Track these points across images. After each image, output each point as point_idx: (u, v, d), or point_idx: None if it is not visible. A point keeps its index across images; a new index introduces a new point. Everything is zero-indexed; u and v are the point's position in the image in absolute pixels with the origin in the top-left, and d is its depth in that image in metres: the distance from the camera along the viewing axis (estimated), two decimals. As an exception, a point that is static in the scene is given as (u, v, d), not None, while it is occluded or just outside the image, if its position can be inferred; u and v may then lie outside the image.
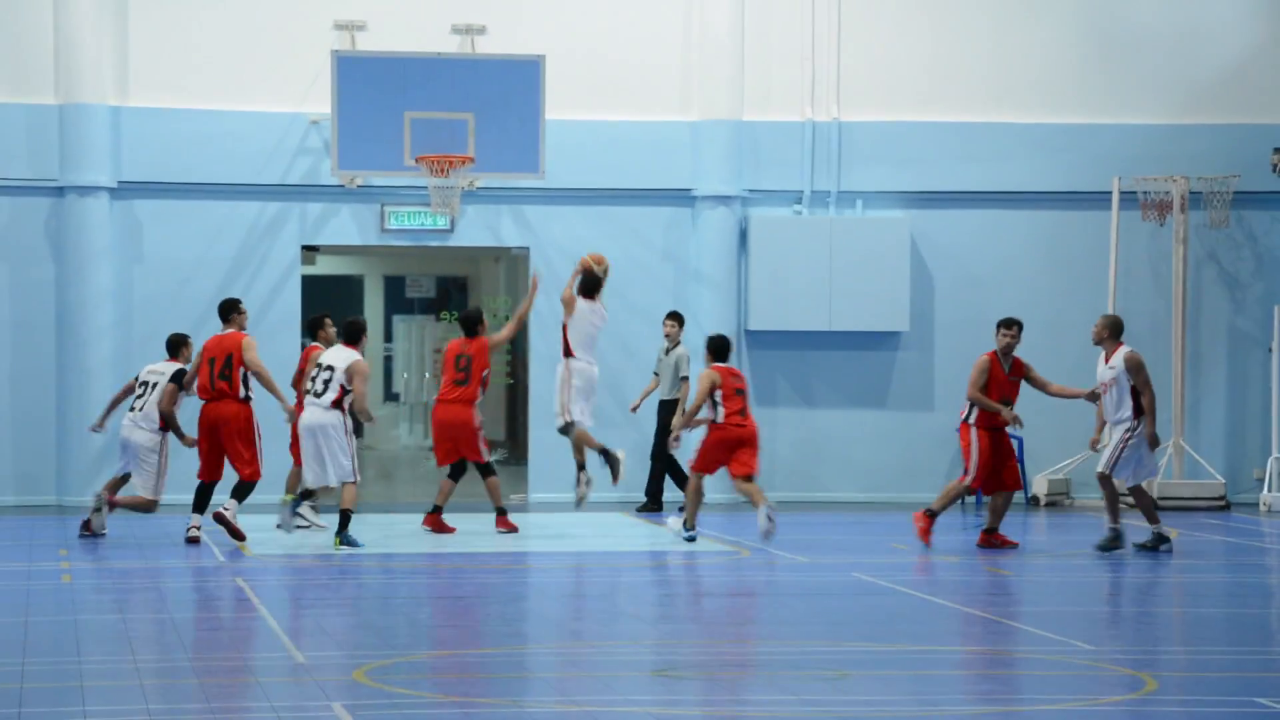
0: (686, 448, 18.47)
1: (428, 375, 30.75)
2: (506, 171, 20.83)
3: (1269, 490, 21.64)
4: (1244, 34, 22.61)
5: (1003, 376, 17.35)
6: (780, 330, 22.04)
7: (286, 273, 21.61)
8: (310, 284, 22.47)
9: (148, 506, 17.69)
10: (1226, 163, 22.14)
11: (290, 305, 21.50)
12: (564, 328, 18.24)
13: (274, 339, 20.87)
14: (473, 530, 18.55)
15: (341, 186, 21.49)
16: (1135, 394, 16.66)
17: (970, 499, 21.56)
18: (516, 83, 20.54)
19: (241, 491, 17.43)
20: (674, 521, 18.20)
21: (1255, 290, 22.62)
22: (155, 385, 17.78)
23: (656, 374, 20.59)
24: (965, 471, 17.32)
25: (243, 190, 21.51)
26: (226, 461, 17.45)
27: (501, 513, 18.32)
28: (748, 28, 22.02)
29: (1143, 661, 11.47)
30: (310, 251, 22.20)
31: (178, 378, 17.81)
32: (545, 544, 17.96)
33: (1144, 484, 17.08)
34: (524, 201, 21.85)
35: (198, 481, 17.48)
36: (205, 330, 21.31)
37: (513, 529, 18.23)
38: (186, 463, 18.24)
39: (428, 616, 13.54)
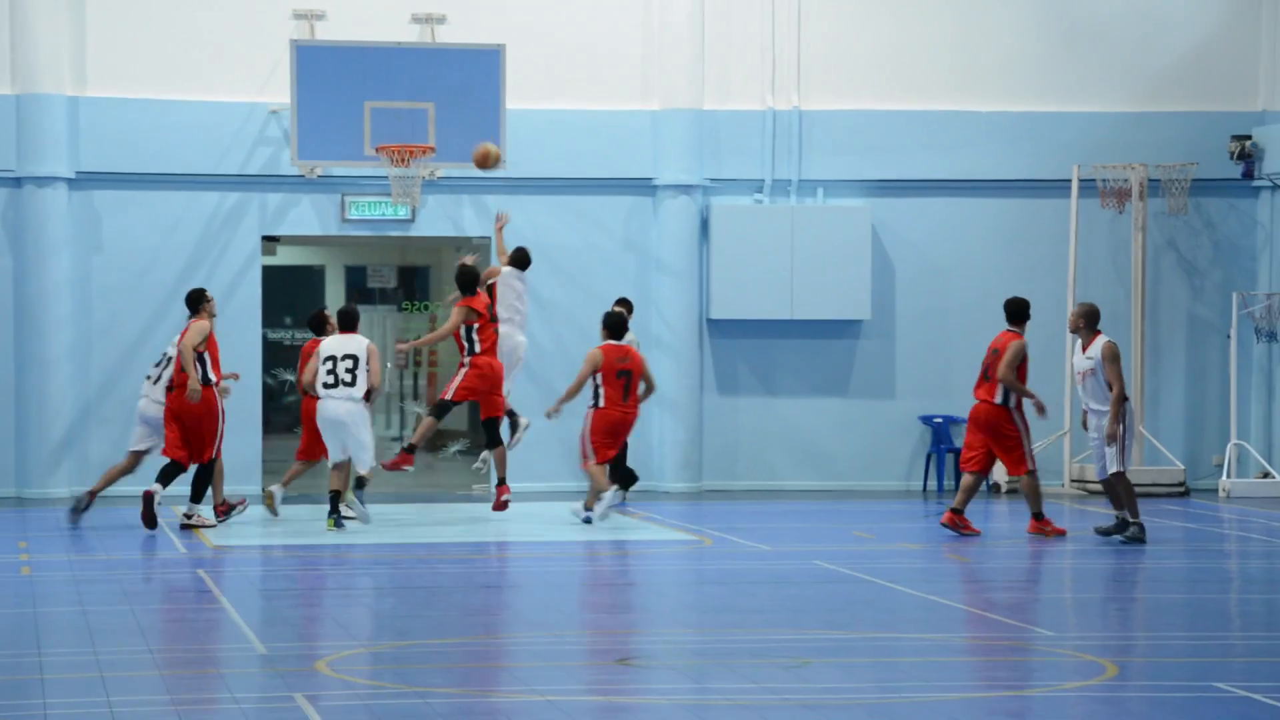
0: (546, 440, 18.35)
1: (389, 365, 30.67)
2: (467, 161, 20.78)
3: (1228, 476, 21.75)
4: (1202, 23, 22.70)
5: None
6: (741, 319, 22.05)
7: (247, 263, 21.54)
8: (271, 274, 22.39)
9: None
10: (1185, 150, 22.23)
11: (251, 296, 21.43)
12: (491, 289, 18.14)
13: (234, 330, 20.80)
14: (436, 520, 18.52)
15: (301, 176, 21.42)
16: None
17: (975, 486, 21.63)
18: (477, 72, 20.50)
19: (187, 477, 17.48)
20: (607, 499, 18.16)
21: (1213, 277, 22.72)
22: (172, 358, 17.67)
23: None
24: (1026, 460, 17.05)
25: (202, 180, 21.43)
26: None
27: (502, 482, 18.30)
28: (708, 16, 22.01)
29: (1103, 647, 11.51)
30: (270, 242, 22.12)
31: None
32: (508, 534, 17.94)
33: (1081, 471, 17.03)
34: (485, 191, 21.82)
35: (187, 468, 17.50)
36: (166, 321, 21.30)
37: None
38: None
39: (390, 607, 13.52)
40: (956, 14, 22.41)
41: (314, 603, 13.68)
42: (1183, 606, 13.60)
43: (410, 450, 18.05)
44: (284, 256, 25.67)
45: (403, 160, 19.97)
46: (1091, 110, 22.46)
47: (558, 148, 21.80)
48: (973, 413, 17.43)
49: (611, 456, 17.99)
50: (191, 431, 17.39)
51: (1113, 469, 16.57)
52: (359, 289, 29.55)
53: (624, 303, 20.72)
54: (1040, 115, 22.41)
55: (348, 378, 17.35)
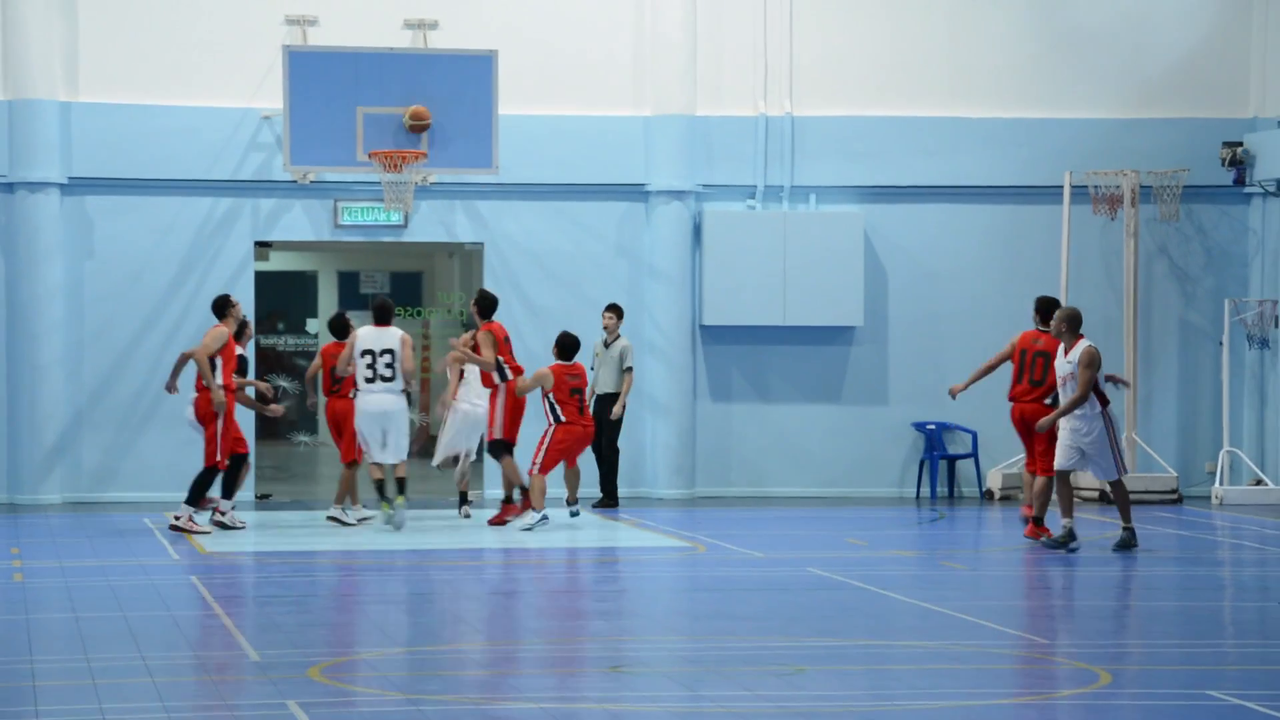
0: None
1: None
2: (460, 167, 20.79)
3: (1220, 483, 21.76)
4: (1194, 29, 22.72)
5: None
6: (734, 325, 22.04)
7: (239, 269, 21.51)
8: (263, 280, 22.38)
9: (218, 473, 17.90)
10: (1176, 157, 22.25)
11: (243, 301, 21.35)
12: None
13: (227, 335, 20.76)
14: (427, 527, 18.51)
15: (294, 182, 21.41)
16: (1098, 385, 16.44)
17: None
18: (469, 78, 20.50)
19: (203, 480, 17.64)
20: (530, 519, 18.16)
21: (1205, 284, 22.73)
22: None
23: (592, 368, 20.48)
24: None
25: (195, 186, 21.41)
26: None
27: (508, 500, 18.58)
28: (700, 22, 22.02)
29: (1097, 655, 11.51)
30: (263, 247, 22.11)
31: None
32: (500, 541, 17.92)
33: (1071, 477, 16.80)
34: (478, 196, 21.81)
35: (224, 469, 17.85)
36: (158, 327, 21.29)
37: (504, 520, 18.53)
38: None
39: (383, 614, 13.50)
40: (949, 20, 22.42)
41: (307, 609, 13.66)
42: (1176, 614, 13.61)
43: (511, 501, 18.49)
44: (277, 262, 25.67)
45: (395, 166, 19.97)
46: (1083, 117, 22.48)
47: (550, 153, 21.80)
48: (1026, 414, 17.32)
49: (550, 471, 18.18)
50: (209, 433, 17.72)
51: (1108, 478, 16.47)
52: (352, 293, 29.57)
53: (614, 309, 20.74)
54: (1032, 121, 22.42)
55: (387, 372, 17.71)
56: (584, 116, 21.90)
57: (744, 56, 22.17)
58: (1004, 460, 21.93)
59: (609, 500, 20.57)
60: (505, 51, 20.82)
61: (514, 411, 18.26)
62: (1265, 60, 22.63)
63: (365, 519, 18.58)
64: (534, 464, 18.09)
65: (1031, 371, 17.40)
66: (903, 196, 22.38)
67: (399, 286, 30.56)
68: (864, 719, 9.65)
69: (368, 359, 17.79)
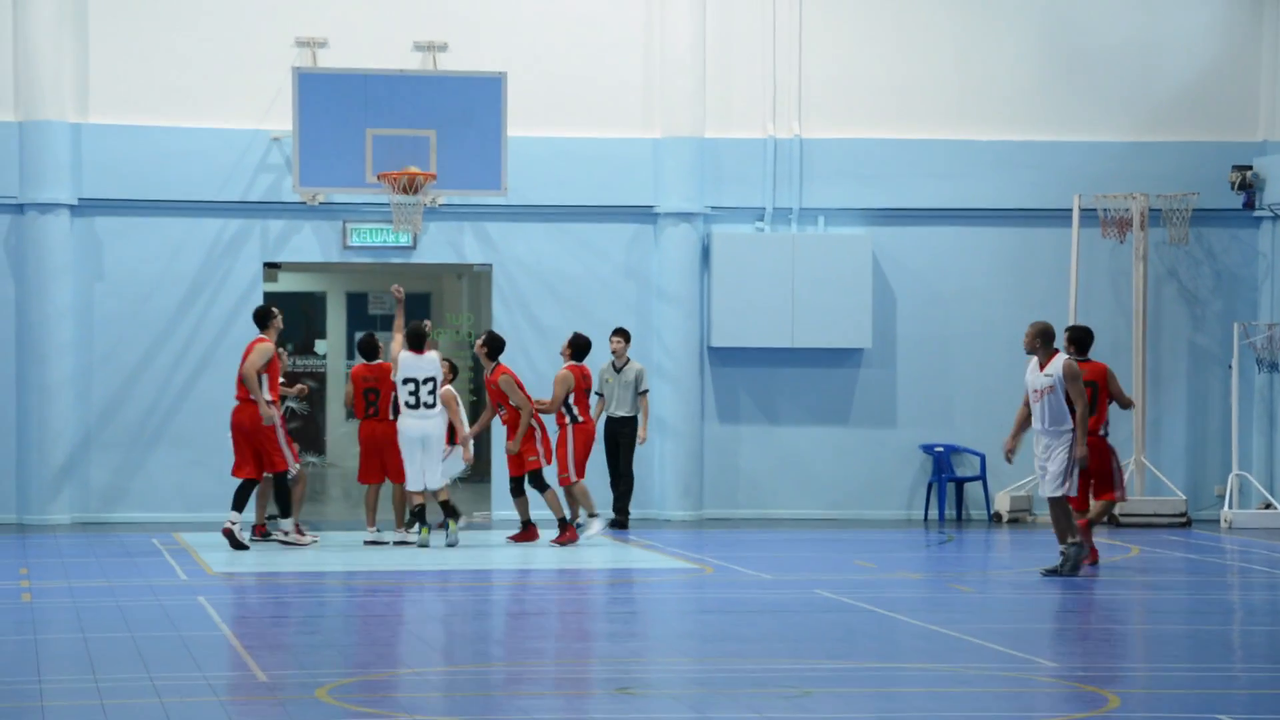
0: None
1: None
2: (468, 188, 20.82)
3: (1230, 507, 21.73)
4: (1203, 53, 22.73)
5: None
6: (743, 347, 22.05)
7: (248, 290, 21.55)
8: (272, 301, 22.37)
9: (288, 478, 18.30)
10: (1186, 180, 22.25)
11: (252, 322, 21.38)
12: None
13: (236, 357, 20.75)
14: (438, 548, 18.51)
15: (303, 203, 21.44)
16: (1071, 405, 16.29)
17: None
18: (478, 99, 20.53)
19: (280, 491, 18.14)
20: (596, 525, 18.89)
21: (1214, 307, 22.72)
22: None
23: (600, 393, 20.52)
24: (1118, 488, 16.90)
25: (204, 207, 21.45)
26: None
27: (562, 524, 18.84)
28: (709, 44, 22.05)
29: (1105, 679, 11.49)
30: (272, 268, 22.14)
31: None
32: (508, 562, 17.92)
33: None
34: (486, 218, 21.84)
35: (238, 480, 18.21)
36: (167, 348, 21.32)
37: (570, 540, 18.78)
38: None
39: (390, 635, 13.50)
40: (958, 43, 22.45)
41: (314, 630, 13.66)
42: (1185, 638, 13.58)
43: (568, 523, 18.84)
44: (285, 283, 25.69)
45: (404, 188, 19.99)
46: (1092, 140, 22.49)
47: (559, 175, 21.83)
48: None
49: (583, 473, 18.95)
50: (249, 446, 18.00)
51: (1052, 492, 16.13)
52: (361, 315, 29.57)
53: (622, 333, 20.77)
54: (1041, 145, 22.43)
55: (429, 399, 18.15)
56: (593, 139, 21.94)
57: (753, 79, 22.21)
58: (1012, 483, 21.91)
59: (621, 521, 20.58)
60: (514, 73, 20.86)
61: (582, 448, 18.89)
62: (1275, 84, 22.64)
63: (372, 543, 18.62)
64: (568, 474, 18.66)
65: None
66: (911, 219, 22.38)
67: (407, 308, 30.53)
68: (872, 741, 9.64)
69: (410, 386, 18.17)
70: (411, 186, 19.82)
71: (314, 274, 28.73)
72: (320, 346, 30.15)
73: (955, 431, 21.74)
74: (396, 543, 18.50)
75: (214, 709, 10.34)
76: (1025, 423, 16.45)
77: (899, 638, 13.19)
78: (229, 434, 18.36)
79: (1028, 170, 22.41)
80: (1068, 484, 16.17)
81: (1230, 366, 22.23)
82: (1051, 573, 16.19)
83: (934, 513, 22.09)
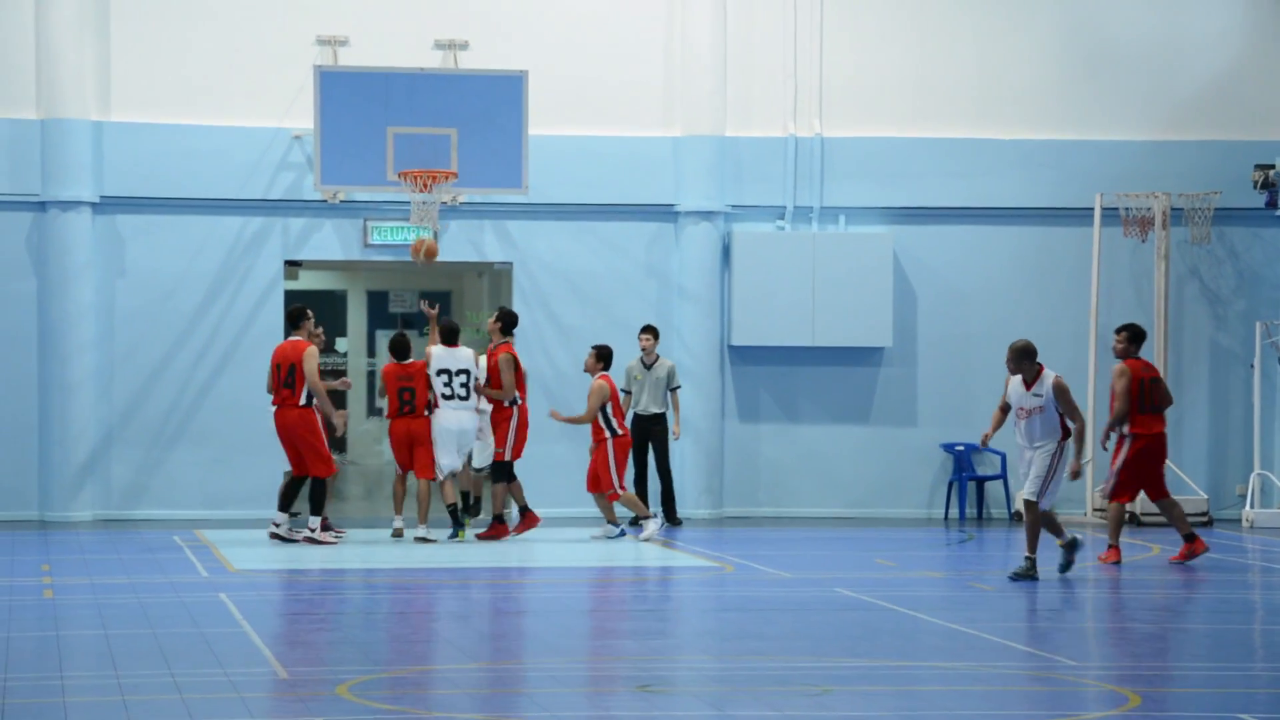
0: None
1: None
2: (489, 187, 20.83)
3: (1251, 506, 21.69)
4: (1225, 51, 22.68)
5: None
6: (763, 346, 22.05)
7: (269, 288, 21.58)
8: (293, 299, 22.39)
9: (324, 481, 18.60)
10: (1208, 179, 22.21)
11: (273, 320, 21.45)
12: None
13: (257, 354, 20.86)
14: (457, 545, 18.53)
15: (324, 201, 21.48)
16: (1064, 418, 16.10)
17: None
18: (499, 98, 20.54)
19: (315, 493, 18.30)
20: (652, 526, 19.14)
21: (1237, 306, 22.68)
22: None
23: (627, 390, 20.56)
24: (1043, 493, 16.84)
25: (225, 205, 21.49)
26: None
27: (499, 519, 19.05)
28: (730, 43, 22.04)
29: (1126, 677, 11.48)
30: (293, 266, 22.17)
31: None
32: (529, 560, 17.94)
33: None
34: (507, 217, 21.86)
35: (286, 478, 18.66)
36: (188, 346, 21.37)
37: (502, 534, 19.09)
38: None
39: (411, 632, 13.52)
40: (979, 42, 22.42)
41: (335, 627, 13.68)
42: (1206, 637, 13.55)
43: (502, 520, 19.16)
44: (306, 281, 25.72)
45: (425, 186, 20.02)
46: (1114, 139, 22.45)
47: (580, 174, 21.84)
48: (1156, 445, 17.49)
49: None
50: (294, 446, 18.28)
51: (1027, 495, 16.04)
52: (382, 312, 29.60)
53: (651, 330, 20.83)
54: (1063, 143, 22.40)
55: (462, 391, 18.69)
56: (614, 137, 21.94)
57: (774, 77, 22.20)
58: (1033, 482, 21.85)
59: (671, 519, 20.74)
60: (535, 72, 20.88)
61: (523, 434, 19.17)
62: (1297, 82, 22.59)
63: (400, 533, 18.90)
64: (614, 487, 18.94)
65: (1151, 399, 17.41)
66: (932, 218, 22.36)
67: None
68: (892, 739, 9.63)
69: (444, 377, 18.68)
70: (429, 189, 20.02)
71: (335, 272, 28.78)
72: (340, 345, 30.19)
73: (976, 430, 21.70)
74: (418, 539, 18.58)
75: (235, 705, 10.36)
76: (1003, 417, 16.47)
77: (919, 636, 13.18)
78: (257, 434, 18.59)
79: (1049, 169, 22.38)
80: (1044, 492, 16.07)
81: (1252, 366, 22.18)
82: (1020, 576, 16.07)
83: (954, 511, 22.07)
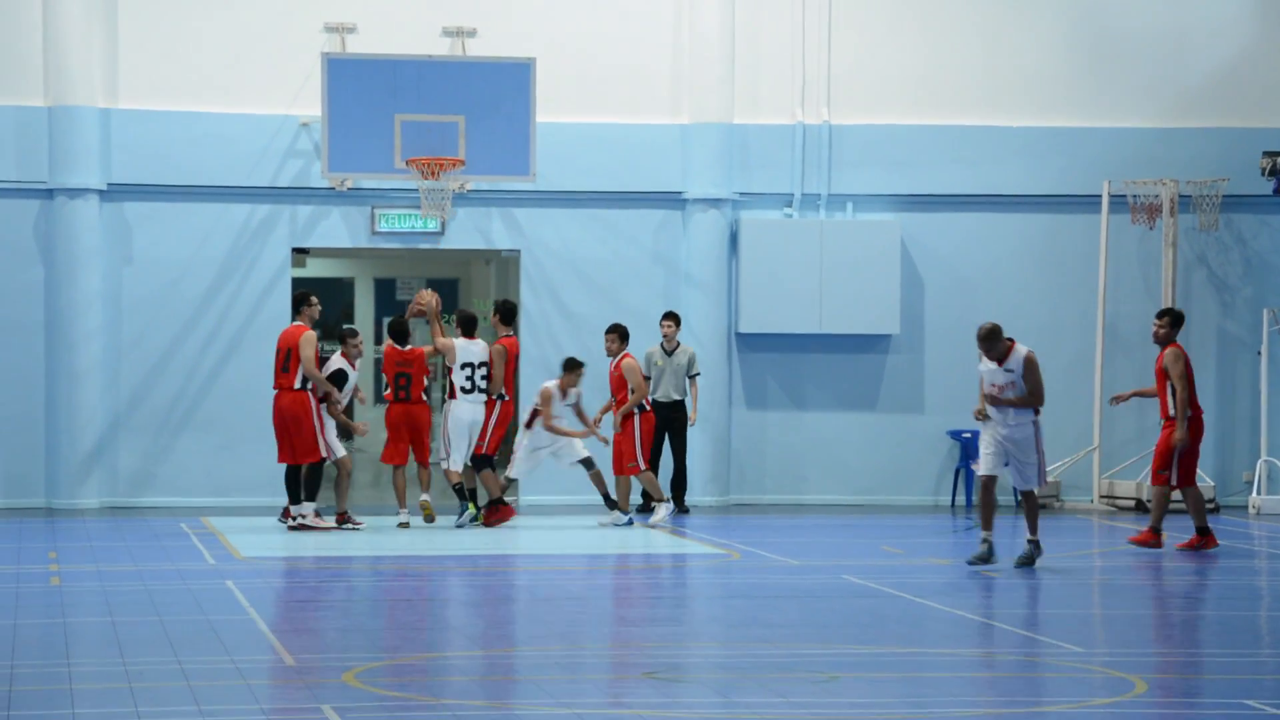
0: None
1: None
2: (497, 174, 20.83)
3: (1258, 493, 21.67)
4: (1233, 38, 22.64)
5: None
6: (771, 333, 22.04)
7: (277, 275, 21.59)
8: (300, 287, 22.42)
9: (330, 468, 18.64)
10: (1215, 166, 22.18)
11: (280, 308, 21.46)
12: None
13: (264, 342, 20.84)
14: (465, 532, 18.54)
15: (332, 189, 21.47)
16: (1038, 394, 16.03)
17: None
18: (507, 85, 20.53)
19: (310, 481, 18.25)
20: (663, 511, 19.33)
21: (1244, 293, 22.65)
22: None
23: (648, 376, 20.60)
24: (1041, 477, 16.75)
25: (233, 192, 21.49)
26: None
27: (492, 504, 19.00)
28: (738, 30, 22.02)
29: (1132, 664, 11.48)
30: (300, 254, 22.18)
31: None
32: (535, 546, 17.95)
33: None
34: (514, 204, 21.85)
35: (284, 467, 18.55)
36: (196, 333, 21.38)
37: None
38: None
39: (417, 619, 13.53)
40: (986, 29, 22.39)
41: (342, 614, 13.69)
42: (1213, 623, 13.55)
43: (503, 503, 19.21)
44: (314, 269, 25.75)
45: (432, 173, 20.01)
46: (1121, 126, 22.42)
47: (588, 161, 21.83)
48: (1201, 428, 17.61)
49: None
50: (285, 430, 18.20)
51: (1027, 485, 16.11)
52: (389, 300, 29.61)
53: (673, 317, 20.93)
54: (1070, 130, 22.37)
55: (482, 384, 18.72)
56: (621, 124, 21.93)
57: (781, 65, 22.17)
58: (1040, 469, 21.84)
59: (679, 506, 20.74)
60: (543, 59, 20.86)
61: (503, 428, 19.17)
62: (1305, 69, 22.55)
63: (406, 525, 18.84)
64: (636, 463, 19.05)
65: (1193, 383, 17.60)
66: (940, 205, 22.35)
67: (436, 293, 30.58)
68: (898, 726, 9.64)
69: (466, 371, 18.69)
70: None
71: (342, 259, 28.79)
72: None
73: (983, 418, 21.65)
74: (400, 524, 18.63)
75: (242, 692, 10.38)
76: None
77: (926, 623, 13.19)
78: (264, 421, 18.55)
79: (1057, 156, 22.35)
80: (1042, 475, 16.18)
81: (1260, 353, 22.16)
82: (1025, 561, 16.08)
83: (961, 498, 22.07)
